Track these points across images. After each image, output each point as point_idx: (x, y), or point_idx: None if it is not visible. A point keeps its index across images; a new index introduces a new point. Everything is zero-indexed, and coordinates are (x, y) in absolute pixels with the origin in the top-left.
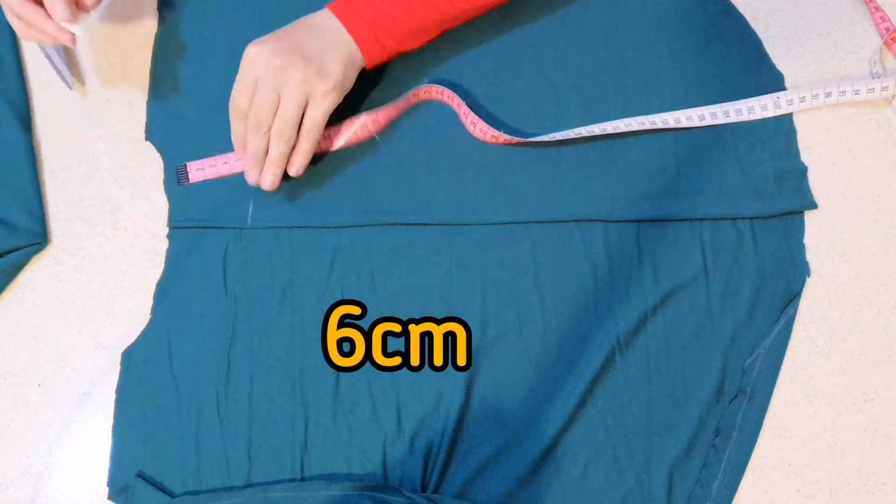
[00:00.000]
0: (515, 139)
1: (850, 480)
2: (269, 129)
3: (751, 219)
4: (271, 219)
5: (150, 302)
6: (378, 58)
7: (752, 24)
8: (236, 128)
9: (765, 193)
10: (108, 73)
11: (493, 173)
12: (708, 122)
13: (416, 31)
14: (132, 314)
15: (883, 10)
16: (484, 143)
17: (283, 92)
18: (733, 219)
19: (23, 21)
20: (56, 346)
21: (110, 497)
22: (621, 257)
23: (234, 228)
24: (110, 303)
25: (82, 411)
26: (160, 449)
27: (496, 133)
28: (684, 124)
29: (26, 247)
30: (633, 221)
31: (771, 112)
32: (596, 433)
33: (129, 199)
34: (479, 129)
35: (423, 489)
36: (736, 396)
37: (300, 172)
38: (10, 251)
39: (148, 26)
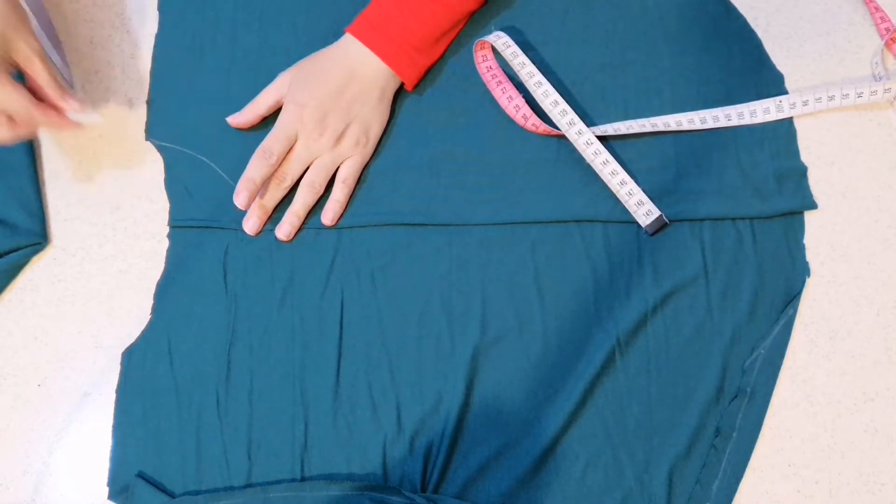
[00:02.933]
0: (554, 131)
1: (850, 480)
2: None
3: (751, 219)
4: (271, 220)
5: (150, 302)
6: (417, 78)
7: (752, 24)
8: (261, 171)
9: (765, 193)
10: (108, 73)
11: (492, 173)
12: (709, 125)
13: (438, 37)
14: (132, 314)
15: (883, 11)
16: (483, 144)
17: (326, 152)
18: (733, 219)
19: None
20: (56, 346)
21: (110, 497)
22: (621, 257)
23: (235, 229)
24: (110, 303)
25: (82, 411)
26: (160, 449)
27: (537, 122)
28: (685, 127)
29: (26, 247)
30: (633, 222)
31: (773, 115)
32: (596, 433)
33: (129, 199)
34: (522, 114)
35: (423, 489)
36: (736, 396)
37: (335, 222)
38: (10, 251)
39: (148, 26)
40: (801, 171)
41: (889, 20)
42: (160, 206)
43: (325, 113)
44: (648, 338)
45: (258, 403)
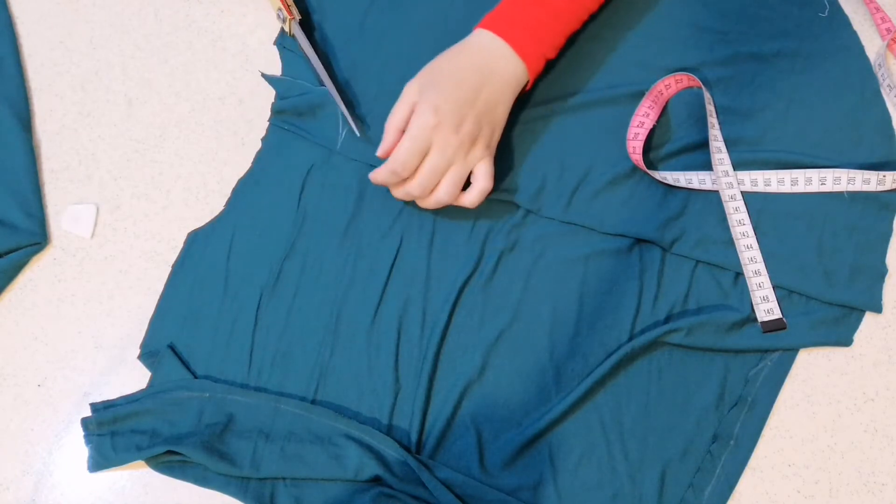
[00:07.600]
0: (648, 171)
1: (850, 480)
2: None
3: (808, 297)
4: (357, 152)
5: (150, 302)
6: (537, 76)
7: None
8: (389, 183)
9: (833, 280)
10: (108, 73)
11: (576, 171)
12: (828, 187)
13: (567, 35)
14: (132, 314)
15: (883, 11)
16: (582, 142)
17: (460, 160)
18: (791, 291)
19: None
20: (56, 346)
21: (140, 357)
22: (670, 287)
23: (324, 148)
24: (110, 303)
25: (82, 411)
26: (195, 330)
27: (639, 159)
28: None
29: (26, 247)
30: (692, 259)
31: (873, 186)
32: (591, 427)
33: (129, 199)
34: (634, 145)
35: (419, 451)
36: (736, 404)
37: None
38: (10, 251)
39: (147, 26)
40: (880, 273)
41: (890, 20)
42: (160, 205)
43: (462, 117)
44: (655, 343)
45: (294, 318)
